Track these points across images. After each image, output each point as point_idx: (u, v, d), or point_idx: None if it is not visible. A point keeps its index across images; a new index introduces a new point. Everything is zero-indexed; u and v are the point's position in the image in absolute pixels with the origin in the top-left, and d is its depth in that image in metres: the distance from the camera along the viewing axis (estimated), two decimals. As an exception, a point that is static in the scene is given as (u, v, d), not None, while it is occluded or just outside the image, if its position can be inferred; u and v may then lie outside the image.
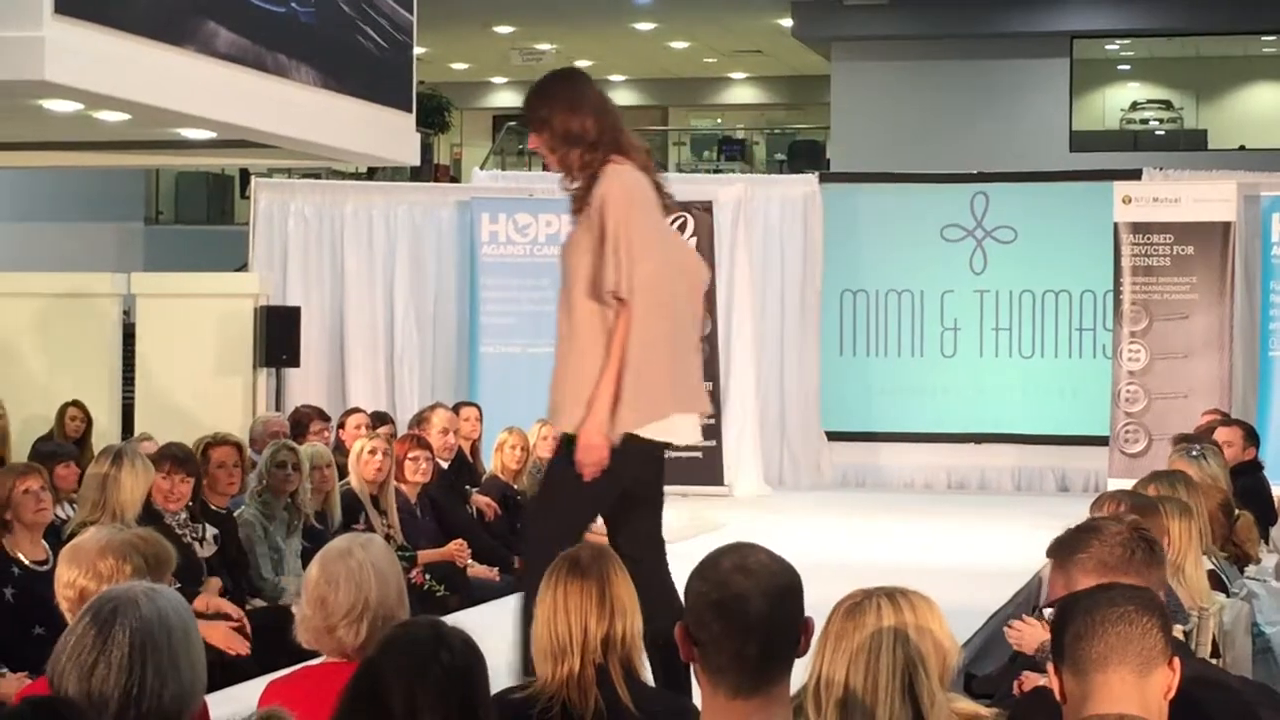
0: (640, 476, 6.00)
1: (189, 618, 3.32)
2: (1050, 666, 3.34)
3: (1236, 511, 8.27)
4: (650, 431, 5.93)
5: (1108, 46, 25.49)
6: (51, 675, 3.07)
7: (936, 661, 3.73)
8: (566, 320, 6.01)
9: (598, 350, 5.82)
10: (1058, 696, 3.32)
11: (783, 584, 3.23)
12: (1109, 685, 3.22)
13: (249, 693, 5.60)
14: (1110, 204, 15.47)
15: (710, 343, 15.94)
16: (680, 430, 6.13)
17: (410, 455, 10.14)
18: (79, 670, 3.11)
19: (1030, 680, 5.81)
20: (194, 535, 8.23)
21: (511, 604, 7.87)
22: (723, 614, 3.17)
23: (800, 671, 3.38)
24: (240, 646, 7.55)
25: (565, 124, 5.87)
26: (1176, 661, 3.29)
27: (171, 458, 8.25)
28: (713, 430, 15.87)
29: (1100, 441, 15.57)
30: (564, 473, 5.82)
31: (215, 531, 8.38)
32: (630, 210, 5.74)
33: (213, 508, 8.54)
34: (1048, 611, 4.51)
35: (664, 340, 5.81)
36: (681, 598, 3.31)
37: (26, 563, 7.35)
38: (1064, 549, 4.33)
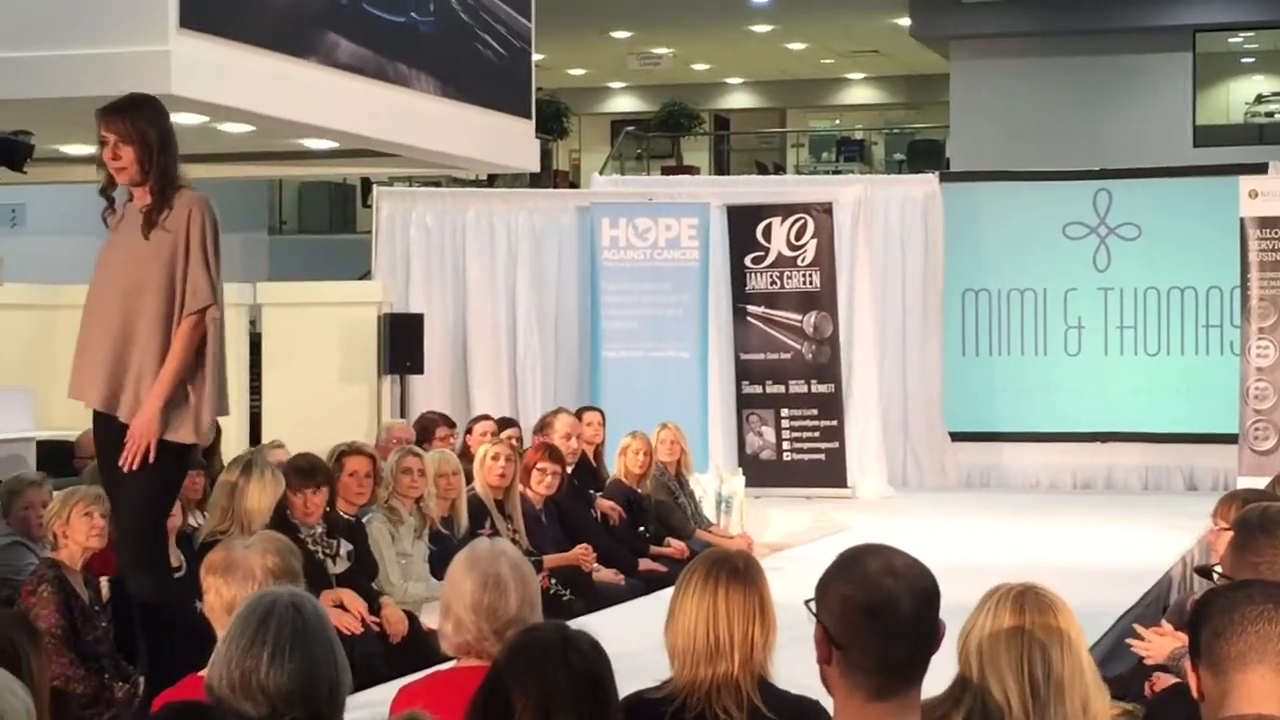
0: None
1: (329, 621, 3.39)
2: (1188, 663, 3.31)
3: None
4: None
5: (1231, 39, 25.15)
6: (211, 676, 3.10)
7: (1078, 656, 3.73)
8: None
9: None
10: (1195, 694, 3.29)
11: (929, 585, 3.25)
12: (1248, 684, 3.17)
13: (379, 696, 5.65)
14: (1236, 199, 15.29)
15: (831, 345, 15.92)
16: None
17: (539, 465, 10.18)
18: (240, 670, 3.13)
19: (1162, 681, 5.76)
20: (327, 551, 8.28)
21: (638, 606, 7.89)
22: (873, 616, 3.17)
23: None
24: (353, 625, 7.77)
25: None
26: None
27: (299, 471, 8.30)
28: (835, 432, 15.84)
29: (1229, 439, 15.39)
30: None
31: (350, 548, 8.43)
32: None
33: (343, 515, 8.61)
34: (1217, 569, 4.48)
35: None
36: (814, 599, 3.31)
37: (160, 570, 7.45)
38: (1247, 538, 4.28)
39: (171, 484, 6.67)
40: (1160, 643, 6.30)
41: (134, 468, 6.32)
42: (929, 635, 3.21)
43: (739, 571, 4.38)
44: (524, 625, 4.21)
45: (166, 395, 6.39)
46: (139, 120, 6.78)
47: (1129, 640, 6.75)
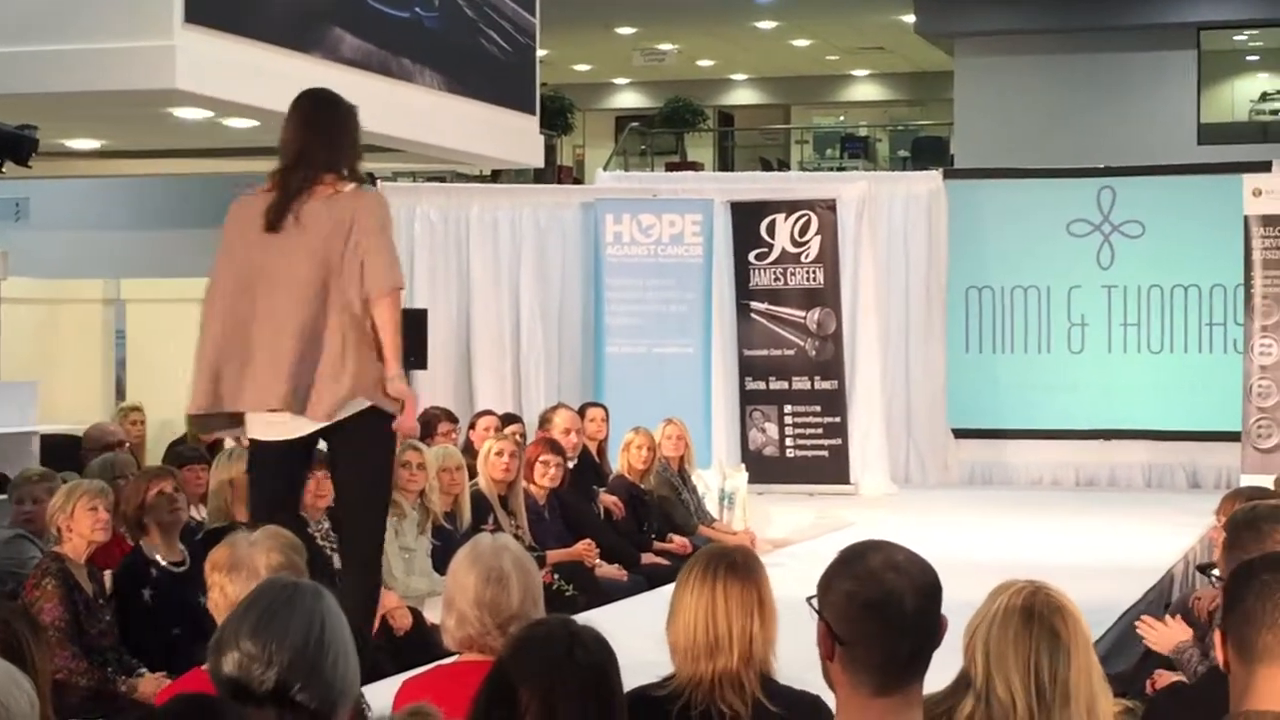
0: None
1: (334, 613, 3.37)
2: (1218, 634, 3.27)
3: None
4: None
5: (1235, 37, 25.14)
6: (214, 662, 3.08)
7: (1085, 657, 3.73)
8: None
9: None
10: (1221, 666, 3.26)
11: (932, 581, 3.25)
12: (1273, 680, 3.13)
13: (382, 690, 5.66)
14: (1240, 197, 15.29)
15: (835, 341, 15.93)
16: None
17: (541, 459, 10.20)
18: (245, 658, 3.11)
19: (1163, 679, 5.78)
20: (334, 547, 8.30)
21: (640, 602, 7.91)
22: (876, 612, 3.17)
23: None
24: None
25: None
26: None
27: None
28: (838, 428, 15.84)
29: (1232, 437, 15.40)
30: None
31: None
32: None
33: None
34: (1214, 573, 4.49)
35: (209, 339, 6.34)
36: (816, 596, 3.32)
37: (164, 564, 7.48)
38: (1236, 535, 4.29)
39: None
40: (1167, 634, 6.31)
41: (416, 433, 6.46)
42: (931, 631, 3.21)
43: (737, 566, 4.39)
44: (526, 620, 4.23)
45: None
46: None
47: (1138, 624, 6.76)
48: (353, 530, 6.51)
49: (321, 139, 6.32)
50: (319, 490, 8.16)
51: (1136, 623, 6.85)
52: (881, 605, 3.16)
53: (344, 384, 6.17)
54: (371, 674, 7.13)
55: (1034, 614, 3.72)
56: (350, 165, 6.35)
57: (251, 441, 6.49)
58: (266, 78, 10.66)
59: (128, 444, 12.19)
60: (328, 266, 6.15)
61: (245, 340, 6.27)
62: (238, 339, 6.30)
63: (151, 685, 6.84)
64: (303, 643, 2.99)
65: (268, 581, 3.25)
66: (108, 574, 7.42)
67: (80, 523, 7.16)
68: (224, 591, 4.75)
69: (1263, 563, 3.29)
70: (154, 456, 12.48)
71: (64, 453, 11.79)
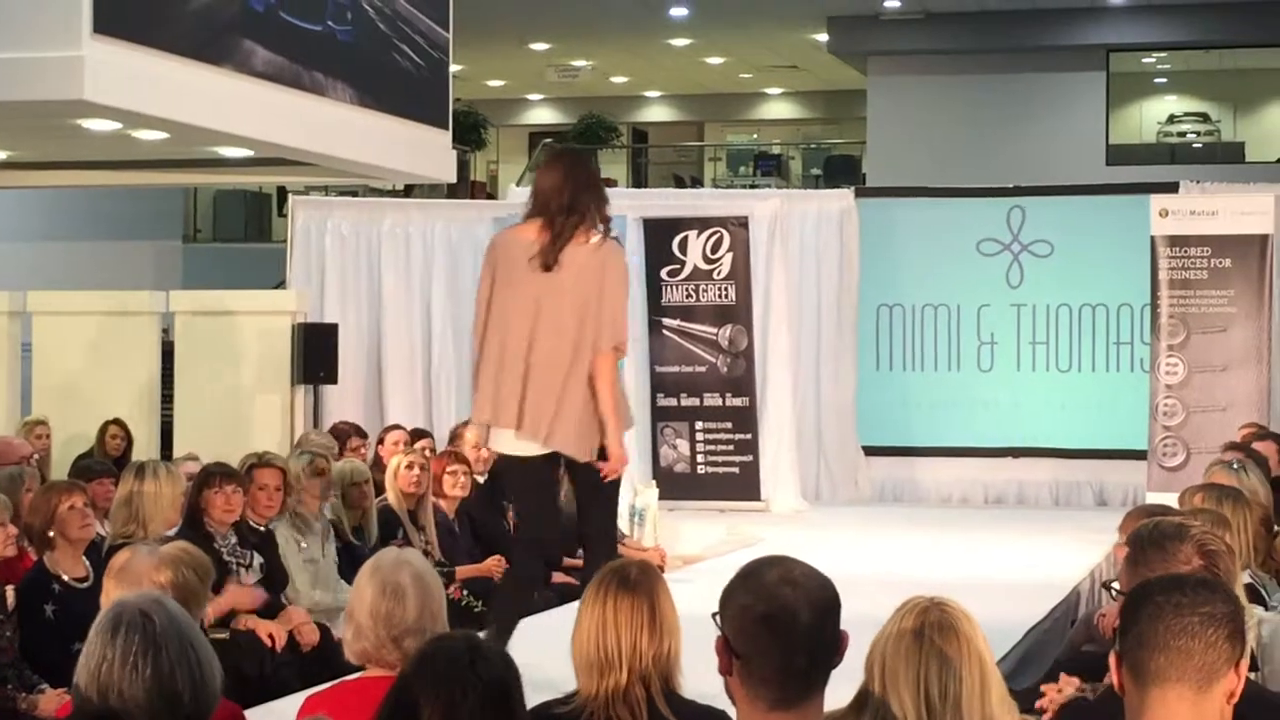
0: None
1: (193, 623, 3.41)
2: (1113, 657, 3.30)
3: (1277, 527, 8.22)
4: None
5: (1144, 59, 25.43)
6: (78, 690, 3.12)
7: (978, 675, 3.73)
8: None
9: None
10: (1116, 688, 3.28)
11: (829, 596, 3.26)
12: (1165, 702, 3.16)
13: (288, 707, 5.63)
14: (1147, 217, 15.41)
15: (746, 358, 15.96)
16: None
17: (449, 470, 10.18)
18: (101, 683, 3.15)
19: (1065, 684, 5.81)
20: (241, 562, 8.25)
21: (550, 618, 7.90)
22: (771, 627, 3.18)
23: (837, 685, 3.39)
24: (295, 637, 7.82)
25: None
26: (1244, 664, 3.22)
27: (222, 473, 8.30)
28: (749, 445, 15.87)
29: (1138, 455, 15.51)
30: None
31: (261, 560, 8.39)
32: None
33: (252, 525, 8.56)
34: (1115, 586, 4.52)
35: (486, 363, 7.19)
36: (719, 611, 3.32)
37: (68, 580, 7.40)
38: (1140, 552, 4.31)
39: None
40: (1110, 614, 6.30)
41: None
42: (828, 646, 3.22)
43: (628, 581, 4.40)
44: (422, 635, 4.23)
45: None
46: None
47: (1099, 614, 6.78)
48: (591, 533, 7.42)
49: (585, 193, 7.10)
50: (227, 505, 8.11)
51: (1099, 614, 6.89)
52: (775, 619, 3.18)
53: (583, 438, 7.07)
54: (277, 690, 7.10)
55: (924, 629, 3.73)
56: (602, 217, 7.17)
57: (500, 455, 7.44)
58: (176, 90, 10.58)
59: (35, 457, 12.07)
60: (584, 308, 7.04)
61: (516, 367, 7.10)
62: (511, 365, 7.12)
63: (53, 702, 6.76)
64: (189, 680, 3.09)
65: (116, 614, 3.37)
66: (10, 589, 7.33)
67: (-18, 538, 7.07)
68: (110, 595, 4.74)
69: (1158, 584, 3.30)
70: (60, 471, 12.36)
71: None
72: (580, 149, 7.75)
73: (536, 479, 7.19)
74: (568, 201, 7.07)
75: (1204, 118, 26.08)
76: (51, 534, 7.43)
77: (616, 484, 7.28)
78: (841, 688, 3.64)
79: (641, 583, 4.40)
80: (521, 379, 7.05)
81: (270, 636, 7.88)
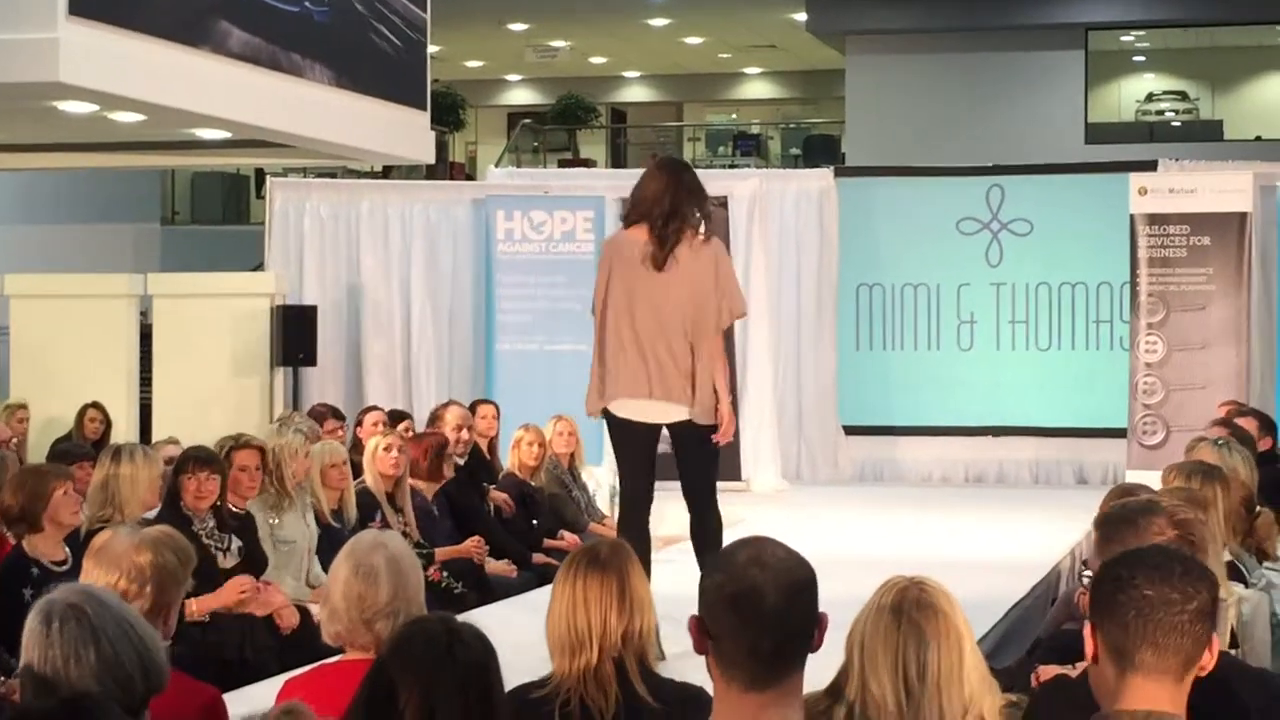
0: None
1: (125, 605, 3.52)
2: (1088, 626, 3.31)
3: (1258, 508, 8.23)
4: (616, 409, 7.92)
5: (1123, 38, 25.44)
6: (23, 679, 3.16)
7: (957, 654, 3.73)
8: None
9: None
10: (1089, 657, 3.29)
11: (798, 578, 3.23)
12: (1145, 689, 3.21)
13: (266, 691, 5.61)
14: (1126, 195, 15.43)
15: (726, 337, 15.92)
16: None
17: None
18: (52, 678, 3.19)
19: (1046, 673, 5.81)
20: (219, 546, 8.21)
21: (530, 599, 7.91)
22: (737, 607, 3.17)
23: (817, 666, 3.38)
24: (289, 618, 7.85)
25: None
26: (1216, 641, 3.26)
27: (196, 458, 8.23)
28: (730, 425, 15.85)
29: (1118, 434, 15.54)
30: None
31: (240, 544, 8.35)
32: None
33: (232, 508, 8.53)
34: (1088, 572, 4.53)
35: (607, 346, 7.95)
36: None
37: (46, 563, 7.37)
38: (1112, 530, 4.31)
39: None
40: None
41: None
42: (798, 628, 3.19)
43: (598, 560, 4.40)
44: (395, 617, 4.24)
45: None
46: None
47: (1079, 593, 6.80)
48: (699, 487, 8.03)
49: (690, 199, 7.80)
50: (201, 490, 8.08)
51: (1079, 592, 6.91)
52: (741, 600, 3.17)
53: (706, 407, 7.82)
54: (256, 673, 7.08)
55: (903, 610, 3.73)
56: (704, 214, 7.90)
57: (620, 420, 7.95)
58: (152, 71, 10.55)
59: (13, 441, 12.04)
60: (700, 298, 7.78)
61: (644, 351, 7.86)
62: (640, 348, 7.87)
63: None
64: (133, 661, 3.13)
65: (46, 611, 3.43)
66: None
67: (-41, 520, 7.05)
68: (89, 576, 4.72)
69: (1139, 569, 3.31)
70: (37, 454, 12.33)
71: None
72: (683, 160, 9.13)
73: (645, 439, 7.89)
74: (668, 209, 7.76)
75: (1183, 96, 26.09)
76: (44, 519, 7.40)
77: (717, 448, 8.01)
78: (822, 669, 3.64)
79: (611, 561, 4.40)
80: (650, 360, 7.83)
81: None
